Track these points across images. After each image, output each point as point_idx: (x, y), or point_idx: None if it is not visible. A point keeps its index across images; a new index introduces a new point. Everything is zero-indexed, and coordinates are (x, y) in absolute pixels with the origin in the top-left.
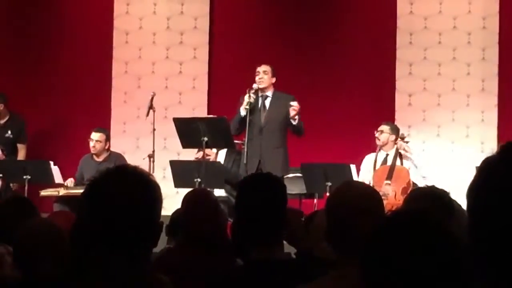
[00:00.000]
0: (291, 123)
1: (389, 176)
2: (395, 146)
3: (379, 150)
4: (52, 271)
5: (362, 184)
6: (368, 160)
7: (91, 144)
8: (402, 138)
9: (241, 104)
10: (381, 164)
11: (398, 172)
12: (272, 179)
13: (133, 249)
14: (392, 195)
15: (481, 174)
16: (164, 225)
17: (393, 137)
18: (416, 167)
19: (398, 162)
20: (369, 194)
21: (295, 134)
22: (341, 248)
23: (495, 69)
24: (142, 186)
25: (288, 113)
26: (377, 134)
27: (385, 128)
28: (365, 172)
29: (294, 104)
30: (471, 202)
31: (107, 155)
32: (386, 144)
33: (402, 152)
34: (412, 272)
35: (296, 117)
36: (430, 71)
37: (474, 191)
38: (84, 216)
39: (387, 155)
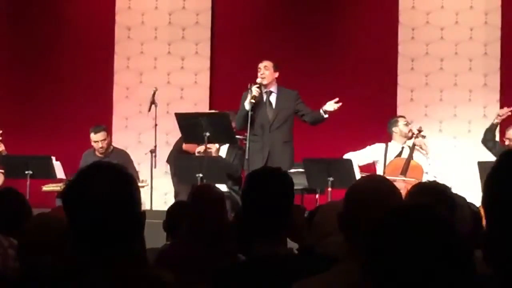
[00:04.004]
0: (320, 119)
1: (404, 171)
2: (412, 140)
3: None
4: (55, 267)
5: (385, 178)
6: (378, 149)
7: (98, 145)
8: (420, 131)
9: (244, 99)
10: (396, 156)
11: (413, 169)
12: (281, 174)
13: (122, 244)
14: (404, 193)
15: (498, 167)
16: (162, 221)
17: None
18: (429, 164)
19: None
20: (390, 190)
21: (313, 124)
22: (353, 239)
23: (497, 64)
24: (117, 180)
25: (295, 110)
26: (410, 127)
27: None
28: (368, 153)
29: (337, 104)
30: (488, 194)
31: (110, 151)
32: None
33: (418, 148)
34: (414, 266)
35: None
36: (432, 66)
37: (490, 183)
38: (68, 217)
39: (402, 148)
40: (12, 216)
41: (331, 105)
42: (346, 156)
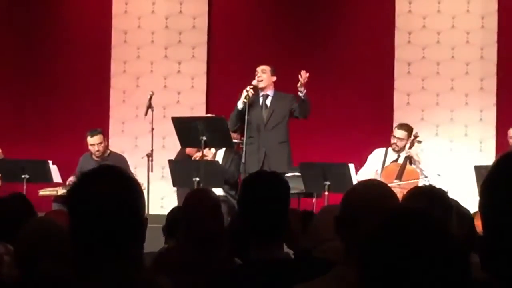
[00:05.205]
0: (300, 102)
1: (399, 176)
2: (407, 147)
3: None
4: (53, 271)
5: (382, 183)
6: (378, 154)
7: (95, 149)
8: (416, 137)
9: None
10: (393, 162)
11: (409, 173)
12: (277, 178)
13: (123, 248)
14: (399, 197)
15: (495, 170)
16: (161, 226)
17: (409, 140)
18: (425, 176)
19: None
20: (387, 194)
21: (302, 115)
22: (350, 243)
23: (493, 68)
24: (121, 184)
25: (290, 110)
26: (395, 141)
27: (403, 134)
28: (372, 164)
29: (304, 73)
30: (485, 198)
31: (107, 155)
32: (402, 149)
33: (412, 155)
34: (409, 271)
35: (303, 89)
36: (428, 70)
37: (487, 187)
38: (70, 220)
39: (398, 156)
40: (19, 222)
41: (304, 79)
42: (358, 176)
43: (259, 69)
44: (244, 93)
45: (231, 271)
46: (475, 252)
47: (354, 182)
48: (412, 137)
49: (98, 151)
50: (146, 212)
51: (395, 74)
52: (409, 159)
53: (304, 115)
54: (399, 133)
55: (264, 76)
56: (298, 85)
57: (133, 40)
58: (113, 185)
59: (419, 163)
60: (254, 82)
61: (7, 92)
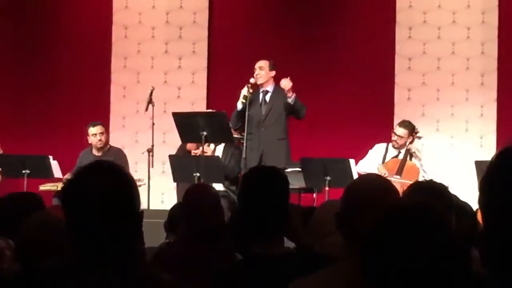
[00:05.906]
0: (290, 107)
1: (399, 171)
2: (407, 144)
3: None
4: (54, 266)
5: (381, 177)
6: (379, 149)
7: (97, 138)
8: (416, 133)
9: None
10: (393, 157)
11: (409, 169)
12: (276, 173)
13: (121, 243)
14: (400, 192)
15: (494, 166)
16: (163, 221)
17: (410, 138)
18: (425, 171)
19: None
20: (387, 188)
21: (296, 116)
22: (351, 238)
23: (494, 64)
24: (114, 179)
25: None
26: (395, 138)
27: (403, 132)
28: (372, 159)
29: (284, 81)
30: (484, 193)
31: (107, 149)
32: (402, 146)
33: (413, 150)
34: (411, 264)
35: (291, 94)
36: (429, 66)
37: (486, 182)
38: (66, 215)
39: (399, 152)
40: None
41: (285, 86)
42: (357, 167)
43: (256, 66)
44: (243, 92)
45: (231, 266)
46: (475, 247)
47: (355, 176)
48: (414, 134)
49: (100, 140)
50: (147, 207)
51: (396, 70)
52: (410, 154)
53: (297, 117)
54: (400, 131)
55: (262, 73)
56: (285, 91)
57: (133, 36)
58: (106, 179)
59: (420, 159)
60: (252, 80)
61: (7, 88)
